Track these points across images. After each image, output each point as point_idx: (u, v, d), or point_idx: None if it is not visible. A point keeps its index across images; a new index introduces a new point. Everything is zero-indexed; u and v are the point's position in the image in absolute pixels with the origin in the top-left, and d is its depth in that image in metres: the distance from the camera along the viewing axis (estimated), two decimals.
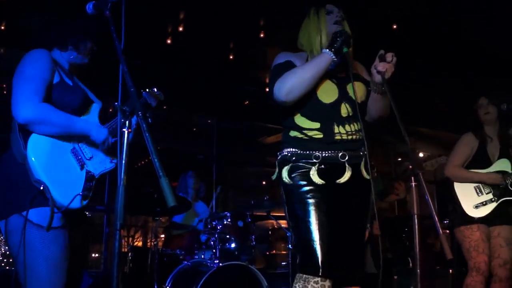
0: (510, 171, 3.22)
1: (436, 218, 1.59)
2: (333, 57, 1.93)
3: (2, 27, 4.37)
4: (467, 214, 3.18)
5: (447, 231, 4.17)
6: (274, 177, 2.09)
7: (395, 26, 4.50)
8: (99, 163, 2.00)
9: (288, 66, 2.02)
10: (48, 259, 1.76)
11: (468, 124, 3.41)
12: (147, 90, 2.19)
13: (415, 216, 1.69)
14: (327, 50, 1.95)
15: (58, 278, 1.78)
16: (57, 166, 1.84)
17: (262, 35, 4.71)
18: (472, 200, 3.20)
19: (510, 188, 3.21)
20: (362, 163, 1.99)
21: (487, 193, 3.21)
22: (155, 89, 2.26)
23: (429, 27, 4.54)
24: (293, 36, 2.24)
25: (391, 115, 1.93)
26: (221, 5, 4.23)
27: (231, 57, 5.12)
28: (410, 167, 1.67)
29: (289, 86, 1.93)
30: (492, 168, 3.26)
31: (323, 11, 2.09)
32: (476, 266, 3.13)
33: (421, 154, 7.17)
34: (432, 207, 1.62)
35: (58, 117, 1.84)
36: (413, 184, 1.70)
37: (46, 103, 1.84)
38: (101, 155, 2.02)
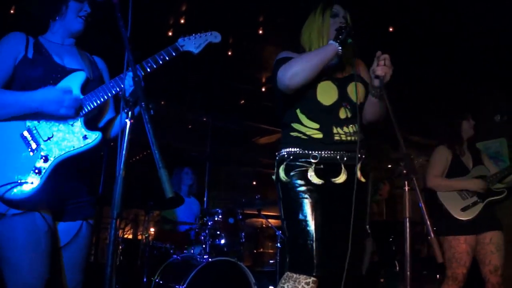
0: (488, 175, 3.32)
1: (428, 222, 1.60)
2: (339, 47, 1.91)
3: (12, 11, 4.28)
4: (455, 220, 3.21)
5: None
6: (274, 177, 2.05)
7: (391, 29, 4.52)
8: (64, 143, 1.78)
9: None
10: (18, 246, 1.68)
11: (445, 135, 3.48)
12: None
13: (407, 219, 1.70)
14: (333, 41, 1.92)
15: (37, 264, 1.70)
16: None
17: (260, 32, 4.66)
18: (458, 204, 3.25)
19: (493, 189, 3.30)
20: (358, 166, 1.96)
21: (471, 196, 3.28)
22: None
23: (423, 32, 4.57)
24: (292, 37, 2.21)
25: (386, 120, 1.94)
26: (220, 1, 4.19)
27: (229, 53, 5.07)
28: (405, 171, 1.69)
29: (294, 70, 1.90)
30: (471, 175, 3.34)
31: (328, 13, 2.06)
32: (454, 276, 3.19)
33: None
34: (425, 211, 1.64)
35: None
36: (406, 188, 1.72)
37: None
38: (71, 132, 1.80)
